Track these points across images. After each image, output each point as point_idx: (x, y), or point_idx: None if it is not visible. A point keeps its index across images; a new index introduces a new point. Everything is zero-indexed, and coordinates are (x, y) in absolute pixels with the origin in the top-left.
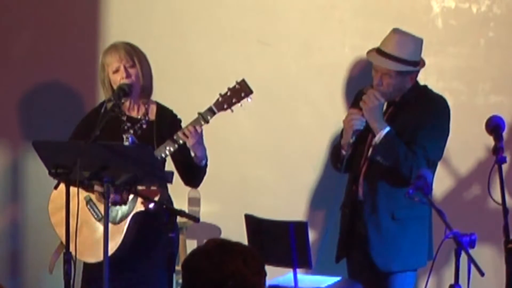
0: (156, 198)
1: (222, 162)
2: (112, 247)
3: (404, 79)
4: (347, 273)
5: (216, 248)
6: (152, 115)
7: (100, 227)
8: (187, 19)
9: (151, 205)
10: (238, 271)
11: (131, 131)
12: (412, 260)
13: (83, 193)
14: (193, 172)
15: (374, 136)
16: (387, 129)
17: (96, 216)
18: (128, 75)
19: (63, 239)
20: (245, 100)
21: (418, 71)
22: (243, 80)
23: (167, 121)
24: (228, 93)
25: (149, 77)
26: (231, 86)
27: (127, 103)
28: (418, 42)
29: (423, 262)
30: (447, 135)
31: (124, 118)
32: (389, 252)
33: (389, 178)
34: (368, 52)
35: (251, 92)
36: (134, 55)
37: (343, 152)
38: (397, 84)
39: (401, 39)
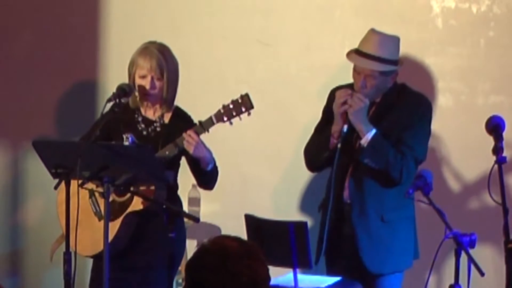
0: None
1: (222, 162)
2: (100, 242)
3: (386, 79)
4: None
5: (219, 254)
6: (167, 118)
7: (95, 222)
8: (187, 19)
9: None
10: (248, 268)
11: (145, 133)
12: (402, 261)
13: (87, 185)
14: (202, 176)
15: (359, 138)
16: (373, 131)
17: (94, 210)
18: (152, 87)
19: (64, 231)
20: (245, 114)
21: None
22: (247, 94)
23: (181, 125)
24: (230, 106)
25: (174, 89)
26: (234, 98)
27: (144, 105)
28: (396, 41)
29: (410, 263)
30: (430, 133)
31: (140, 119)
32: (380, 254)
33: (377, 179)
34: (348, 54)
35: (252, 107)
36: (164, 68)
37: (334, 141)
38: (379, 85)
39: (381, 39)
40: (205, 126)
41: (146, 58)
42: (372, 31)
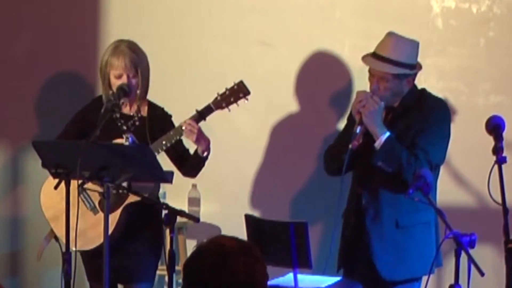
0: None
1: (222, 162)
2: (100, 236)
3: (401, 83)
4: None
5: (217, 252)
6: (144, 112)
7: (91, 215)
8: (187, 19)
9: None
10: (245, 267)
11: (125, 128)
12: (418, 268)
13: (76, 182)
14: (194, 161)
15: (374, 141)
16: (387, 134)
17: (88, 205)
18: (130, 85)
19: (55, 229)
20: (242, 100)
21: (415, 74)
22: (241, 81)
23: (158, 117)
24: (227, 93)
25: (147, 84)
26: (229, 86)
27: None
28: (414, 45)
29: (427, 270)
30: (449, 137)
31: (118, 115)
32: (395, 261)
33: (391, 183)
34: (363, 57)
35: (248, 92)
36: (138, 65)
37: (350, 146)
38: (394, 88)
39: (397, 42)
40: (204, 114)
41: (119, 58)
42: (389, 34)
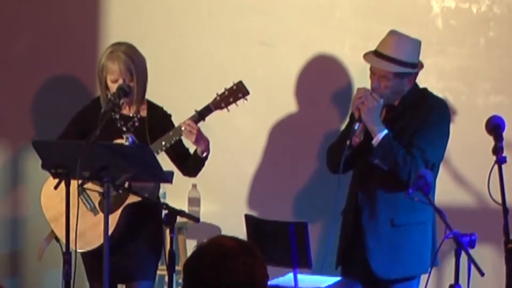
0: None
1: (222, 162)
2: (100, 237)
3: (402, 82)
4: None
5: (217, 252)
6: (143, 113)
7: (91, 216)
8: (187, 19)
9: None
10: (245, 266)
11: (124, 129)
12: (413, 267)
13: (75, 183)
14: (195, 162)
15: (372, 139)
16: (385, 131)
17: (88, 206)
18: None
19: (55, 230)
20: (241, 100)
21: (416, 73)
22: (240, 82)
23: (158, 117)
24: (226, 93)
25: (144, 87)
26: (228, 87)
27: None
28: (416, 44)
29: (425, 269)
30: (447, 137)
31: (118, 116)
32: (389, 259)
33: (389, 182)
34: (365, 55)
35: (247, 93)
36: (133, 70)
37: (348, 143)
38: (394, 87)
39: (398, 41)
40: (203, 114)
41: (114, 63)
42: (391, 32)
